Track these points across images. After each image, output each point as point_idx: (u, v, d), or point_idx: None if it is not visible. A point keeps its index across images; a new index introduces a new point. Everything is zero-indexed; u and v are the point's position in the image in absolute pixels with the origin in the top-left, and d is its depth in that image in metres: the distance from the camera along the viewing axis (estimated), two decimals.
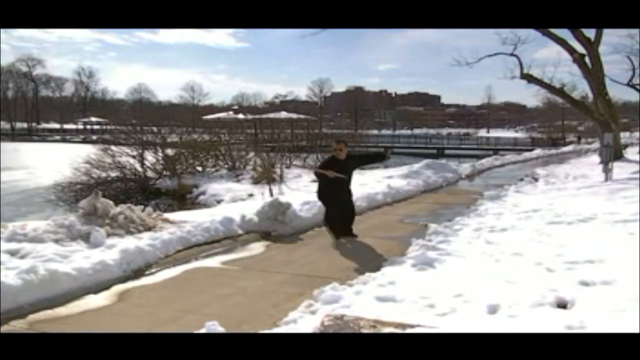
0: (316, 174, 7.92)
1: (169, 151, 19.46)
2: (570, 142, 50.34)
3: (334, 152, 7.64)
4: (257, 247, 6.89)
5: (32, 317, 4.33)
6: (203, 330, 3.57)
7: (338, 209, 7.52)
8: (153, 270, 5.78)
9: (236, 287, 5.24)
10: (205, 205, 13.42)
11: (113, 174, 18.04)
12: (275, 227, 7.64)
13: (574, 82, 26.14)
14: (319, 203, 9.00)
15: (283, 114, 44.70)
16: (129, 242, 6.09)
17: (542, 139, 55.57)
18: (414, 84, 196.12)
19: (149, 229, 6.88)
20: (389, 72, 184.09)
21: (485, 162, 22.99)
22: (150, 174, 18.74)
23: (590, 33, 21.21)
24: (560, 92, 24.08)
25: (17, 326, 4.14)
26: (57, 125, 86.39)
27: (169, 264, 6.01)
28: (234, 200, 13.43)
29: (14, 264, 4.96)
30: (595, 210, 8.22)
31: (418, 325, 3.53)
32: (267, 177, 16.38)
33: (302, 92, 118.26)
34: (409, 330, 3.41)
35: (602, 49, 22.14)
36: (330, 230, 7.45)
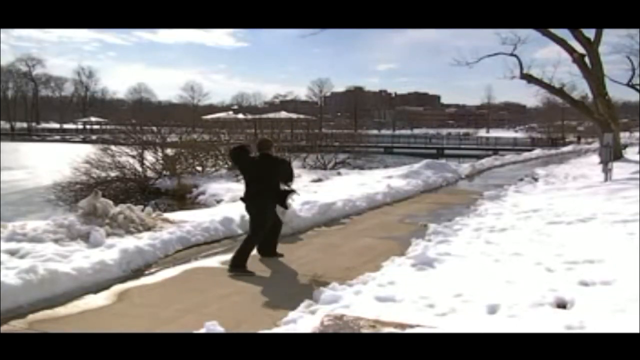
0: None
1: (169, 151, 19.45)
2: (570, 142, 50.31)
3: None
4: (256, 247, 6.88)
5: (31, 316, 4.33)
6: (202, 330, 3.57)
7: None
8: (153, 270, 5.78)
9: (236, 287, 5.24)
10: (205, 205, 13.41)
11: (113, 174, 18.00)
12: None
13: (573, 82, 26.09)
14: (320, 202, 9.01)
15: (283, 114, 44.72)
16: (129, 242, 6.09)
17: (542, 139, 55.53)
18: (413, 84, 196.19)
19: (148, 228, 6.88)
20: (388, 72, 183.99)
21: (485, 162, 23.00)
22: (150, 173, 18.72)
23: (590, 33, 21.22)
24: (560, 92, 24.06)
25: (16, 326, 4.13)
26: (56, 125, 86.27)
27: (169, 264, 6.01)
28: (234, 200, 13.39)
29: (13, 264, 4.95)
30: (595, 210, 8.22)
31: (418, 325, 3.53)
32: None
33: (301, 92, 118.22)
34: (408, 330, 3.41)
35: (602, 49, 22.19)
36: (245, 260, 5.85)
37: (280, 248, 6.67)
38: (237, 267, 5.70)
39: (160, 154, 19.17)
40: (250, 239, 5.96)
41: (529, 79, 23.43)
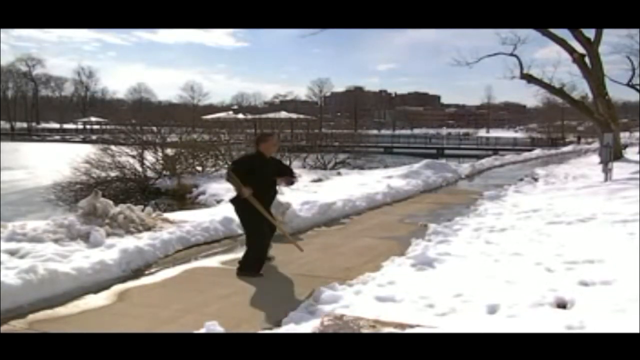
0: (230, 178, 5.67)
1: (169, 151, 19.45)
2: (570, 142, 50.33)
3: (262, 148, 5.81)
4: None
5: (31, 316, 4.33)
6: (203, 330, 3.57)
7: (267, 227, 5.84)
8: (153, 270, 5.78)
9: (236, 287, 5.24)
10: (205, 205, 13.41)
11: (113, 174, 18.02)
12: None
13: (573, 82, 26.10)
14: (320, 202, 8.99)
15: (283, 114, 44.69)
16: (129, 242, 6.09)
17: (542, 139, 55.55)
18: (413, 84, 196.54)
19: (148, 228, 6.87)
20: (388, 72, 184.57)
21: (485, 162, 23.01)
22: (150, 173, 18.73)
23: (590, 33, 21.23)
24: (560, 92, 24.07)
25: (16, 326, 4.13)
26: (56, 125, 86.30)
27: (169, 264, 6.01)
28: None
29: (13, 264, 4.95)
30: (595, 210, 8.22)
31: (418, 325, 3.53)
32: None
33: (301, 92, 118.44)
34: (408, 330, 3.41)
35: (602, 49, 22.18)
36: (257, 265, 5.65)
37: (280, 248, 6.67)
38: (245, 270, 5.63)
39: (160, 154, 19.17)
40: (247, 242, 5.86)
41: (529, 79, 23.44)
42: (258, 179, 5.63)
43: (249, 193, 5.49)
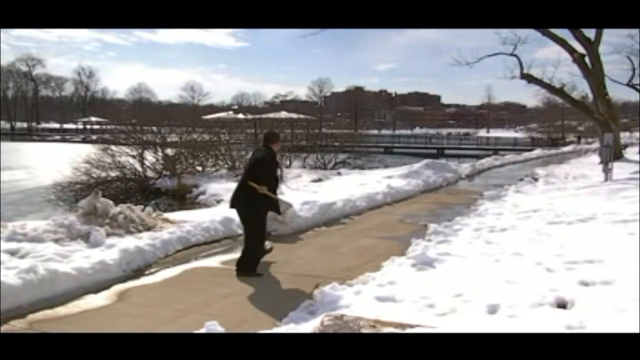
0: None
1: (169, 151, 19.44)
2: (570, 142, 50.34)
3: (274, 147, 5.99)
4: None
5: (31, 316, 4.33)
6: (203, 330, 3.57)
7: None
8: (153, 270, 5.78)
9: (236, 287, 5.25)
10: (205, 205, 13.40)
11: (113, 174, 18.00)
12: (275, 227, 7.64)
13: (574, 82, 26.14)
14: (320, 202, 8.98)
15: (283, 114, 44.66)
16: (129, 242, 6.09)
17: (542, 139, 55.59)
18: (414, 84, 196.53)
19: (148, 228, 6.87)
20: (389, 72, 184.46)
21: (485, 162, 23.02)
22: (150, 173, 18.71)
23: (590, 33, 21.23)
24: (560, 92, 24.07)
25: (17, 326, 4.13)
26: (57, 125, 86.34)
27: (169, 264, 6.01)
28: None
29: (13, 264, 4.96)
30: (595, 210, 8.22)
31: (418, 325, 3.53)
32: None
33: (302, 92, 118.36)
34: (408, 330, 3.41)
35: (602, 49, 22.21)
36: (256, 265, 5.76)
37: (280, 248, 6.68)
38: (245, 270, 5.63)
39: (160, 154, 19.15)
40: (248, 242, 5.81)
41: (529, 79, 23.43)
42: (273, 175, 5.89)
43: (265, 189, 5.62)
